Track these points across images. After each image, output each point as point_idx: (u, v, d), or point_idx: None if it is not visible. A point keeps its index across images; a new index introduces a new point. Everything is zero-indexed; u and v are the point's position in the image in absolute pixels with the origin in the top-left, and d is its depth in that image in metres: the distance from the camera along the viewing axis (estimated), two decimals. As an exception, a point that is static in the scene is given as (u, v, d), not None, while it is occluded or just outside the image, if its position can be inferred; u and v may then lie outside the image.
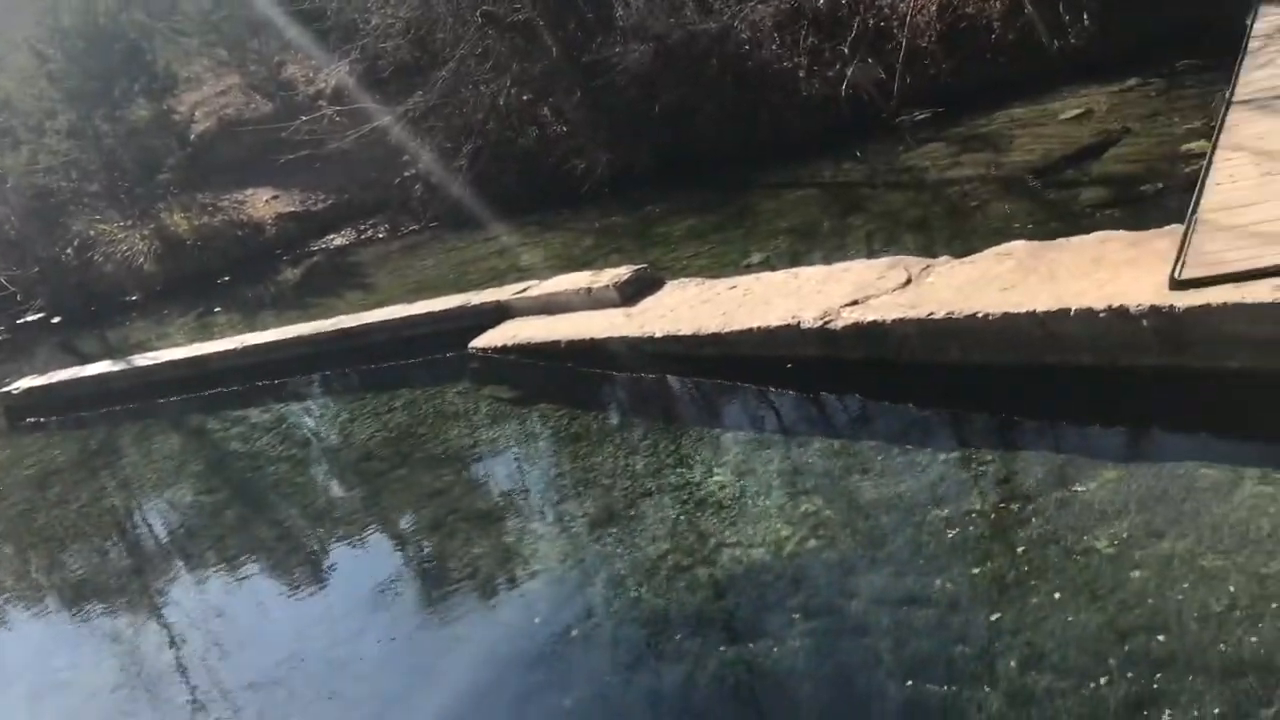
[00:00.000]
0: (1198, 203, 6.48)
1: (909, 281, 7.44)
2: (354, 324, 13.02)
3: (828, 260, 9.47)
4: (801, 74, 16.88)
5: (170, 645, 7.37)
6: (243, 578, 8.09)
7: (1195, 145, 9.59)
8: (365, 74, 23.68)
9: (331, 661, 6.39)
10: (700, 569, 5.93)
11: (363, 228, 24.61)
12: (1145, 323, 5.56)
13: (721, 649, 5.25)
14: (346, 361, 12.64)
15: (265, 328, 15.60)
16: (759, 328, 7.81)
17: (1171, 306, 5.44)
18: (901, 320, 6.83)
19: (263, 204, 28.33)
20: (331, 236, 25.30)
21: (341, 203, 26.63)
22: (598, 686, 5.31)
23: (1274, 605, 4.13)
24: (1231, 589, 4.30)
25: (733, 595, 5.67)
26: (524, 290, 11.18)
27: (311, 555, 8.18)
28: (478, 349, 10.66)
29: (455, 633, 6.26)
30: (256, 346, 14.16)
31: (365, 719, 5.81)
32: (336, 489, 9.38)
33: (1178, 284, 5.53)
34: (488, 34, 20.15)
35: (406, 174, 22.68)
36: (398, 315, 12.46)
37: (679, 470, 7.14)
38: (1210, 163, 7.18)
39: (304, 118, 23.80)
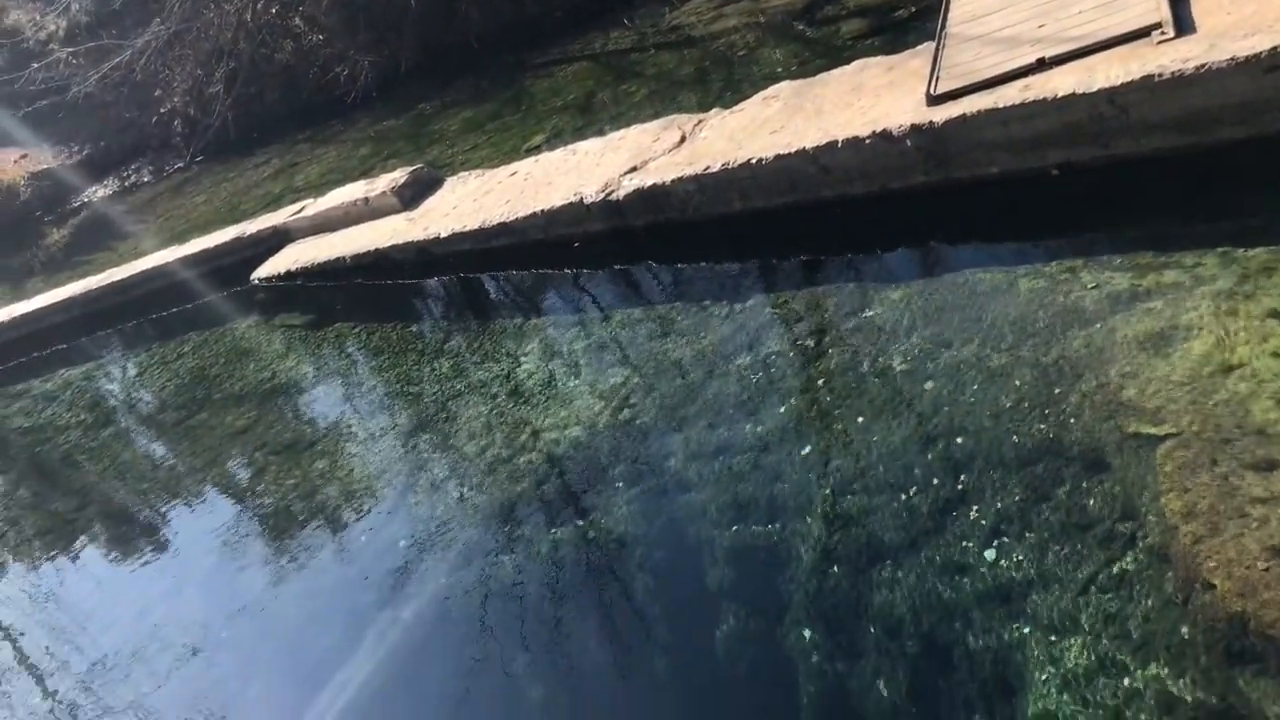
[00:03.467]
0: (946, 17, 6.59)
1: (683, 140, 7.37)
2: (128, 275, 12.21)
3: (609, 131, 9.31)
4: (557, -55, 16.39)
5: (7, 641, 6.88)
6: (57, 558, 7.60)
7: (941, -35, 9.74)
8: (96, 8, 21.83)
9: (164, 622, 6.10)
10: (520, 458, 5.86)
11: (125, 174, 23.01)
12: (909, 142, 5.65)
13: (552, 531, 5.22)
14: (126, 315, 11.90)
15: (35, 294, 14.48)
16: (544, 210, 7.64)
17: (930, 122, 5.53)
18: (680, 179, 6.77)
19: (11, 165, 26.09)
20: (94, 188, 23.56)
21: (98, 151, 24.73)
22: (433, 592, 5.21)
23: (1056, 391, 4.32)
24: (1018, 383, 4.48)
25: (555, 478, 5.62)
26: (300, 211, 10.64)
27: (122, 519, 7.74)
28: (261, 279, 10.15)
29: (280, 567, 6.04)
30: (27, 315, 13.19)
31: (221, 668, 5.58)
32: (136, 446, 8.87)
33: (934, 99, 5.62)
34: (220, -54, 18.78)
35: (163, 110, 21.18)
36: (173, 258, 11.73)
37: (486, 366, 6.99)
38: (954, -23, 7.28)
39: (36, 65, 21.86)
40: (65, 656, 6.40)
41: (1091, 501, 3.81)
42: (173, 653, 5.78)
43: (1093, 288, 4.73)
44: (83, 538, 7.69)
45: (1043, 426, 4.20)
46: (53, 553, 7.66)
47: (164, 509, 7.47)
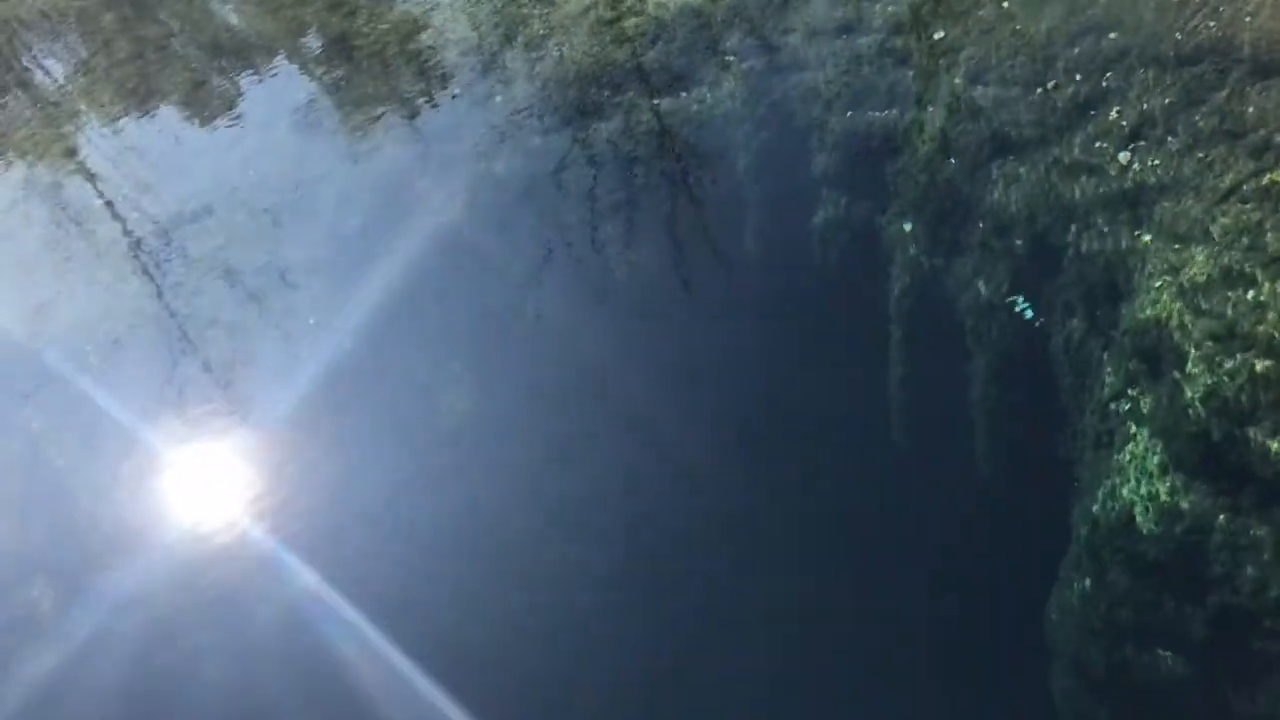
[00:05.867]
0: None
1: None
2: None
3: None
4: None
5: (91, 188, 6.90)
6: (145, 89, 7.50)
7: None
8: None
9: (259, 153, 6.09)
10: (626, 20, 5.53)
11: None
12: None
13: (654, 100, 5.00)
14: None
15: None
16: None
17: None
18: None
19: None
20: None
21: None
22: (524, 151, 5.10)
23: (1234, -12, 3.87)
24: (1191, -25, 4.01)
25: (662, 44, 5.31)
26: None
27: (210, 50, 7.53)
28: None
29: (372, 114, 5.92)
30: None
31: (317, 203, 5.62)
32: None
33: None
34: None
35: None
36: None
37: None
38: None
39: None
40: (186, 174, 6.36)
41: (1251, 109, 3.49)
42: (270, 190, 5.78)
43: (1302, -125, 4.11)
44: (170, 67, 7.55)
45: (1212, 25, 3.79)
46: (140, 83, 7.54)
47: (253, 47, 7.27)
